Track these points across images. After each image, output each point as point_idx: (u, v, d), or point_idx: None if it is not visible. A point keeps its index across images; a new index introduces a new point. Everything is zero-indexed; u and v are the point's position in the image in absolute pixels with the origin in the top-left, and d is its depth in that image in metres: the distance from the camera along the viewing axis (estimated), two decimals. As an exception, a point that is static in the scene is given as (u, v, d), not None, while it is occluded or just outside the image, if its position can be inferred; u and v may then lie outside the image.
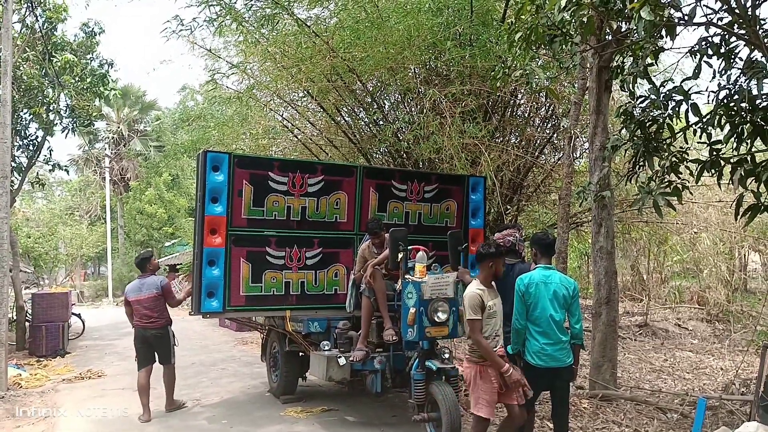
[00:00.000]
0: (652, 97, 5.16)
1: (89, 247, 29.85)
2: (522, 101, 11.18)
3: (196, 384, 8.51)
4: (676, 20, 4.68)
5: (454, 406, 4.94)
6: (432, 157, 9.24)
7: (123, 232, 34.62)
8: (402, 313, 5.51)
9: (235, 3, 9.25)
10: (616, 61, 5.98)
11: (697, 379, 8.04)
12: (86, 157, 34.65)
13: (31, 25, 11.61)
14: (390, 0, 9.42)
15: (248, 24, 9.52)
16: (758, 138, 4.73)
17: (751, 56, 4.73)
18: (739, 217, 4.80)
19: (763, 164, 4.55)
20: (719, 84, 5.00)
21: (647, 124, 5.28)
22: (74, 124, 12.83)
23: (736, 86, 4.90)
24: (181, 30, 9.56)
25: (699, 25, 4.79)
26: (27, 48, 11.58)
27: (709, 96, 5.10)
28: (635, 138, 5.34)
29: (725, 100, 4.92)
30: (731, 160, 4.81)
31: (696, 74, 4.96)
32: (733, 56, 4.90)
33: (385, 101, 11.57)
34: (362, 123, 11.68)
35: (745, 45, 4.78)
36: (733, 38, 4.81)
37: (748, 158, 4.71)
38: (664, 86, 5.19)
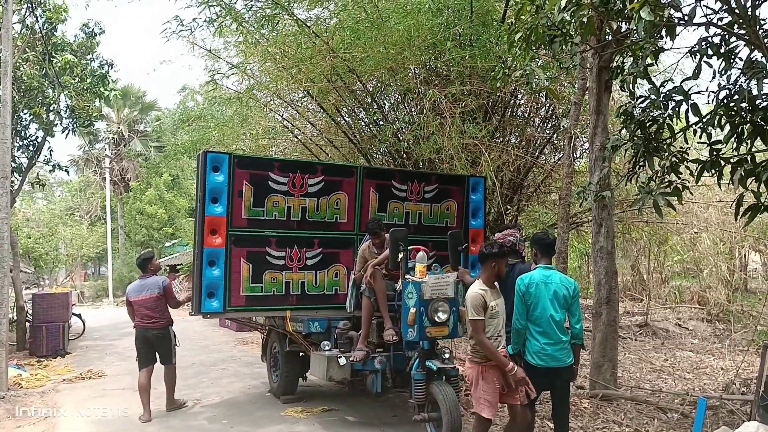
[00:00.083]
0: (652, 97, 5.16)
1: (89, 247, 29.83)
2: (522, 101, 11.19)
3: (196, 384, 8.51)
4: (676, 20, 4.68)
5: (455, 406, 4.94)
6: (432, 158, 9.24)
7: (123, 232, 34.63)
8: (402, 313, 5.51)
9: (235, 3, 9.27)
10: (616, 62, 5.98)
11: (698, 379, 8.04)
12: (86, 157, 34.65)
13: (31, 26, 11.62)
14: (390, 0, 9.42)
15: (248, 24, 9.53)
16: (758, 138, 4.73)
17: (751, 56, 4.74)
18: (739, 217, 4.81)
19: (763, 164, 4.55)
20: (719, 84, 5.01)
21: (647, 124, 5.28)
22: (74, 125, 12.83)
23: (736, 86, 4.90)
24: (181, 30, 9.58)
25: (699, 25, 4.79)
26: (27, 48, 11.58)
27: (709, 96, 5.11)
28: (635, 138, 5.34)
29: (725, 100, 4.93)
30: (731, 160, 4.81)
31: (696, 74, 4.96)
32: (733, 56, 4.90)
33: (385, 101, 11.57)
34: (362, 123, 11.68)
35: (745, 45, 4.78)
36: (733, 38, 4.81)
37: (748, 158, 4.71)
38: (664, 86, 5.19)
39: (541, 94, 9.87)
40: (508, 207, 10.93)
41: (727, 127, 4.92)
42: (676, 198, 5.01)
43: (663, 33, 4.81)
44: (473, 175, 8.28)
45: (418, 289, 5.25)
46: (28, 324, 11.94)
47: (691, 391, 7.05)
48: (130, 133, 34.78)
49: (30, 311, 12.08)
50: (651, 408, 6.20)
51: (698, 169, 5.05)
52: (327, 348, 6.26)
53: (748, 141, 4.82)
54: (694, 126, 5.10)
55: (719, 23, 4.82)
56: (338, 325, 6.40)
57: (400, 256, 5.50)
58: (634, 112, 5.39)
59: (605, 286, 6.52)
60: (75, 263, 31.89)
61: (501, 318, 4.45)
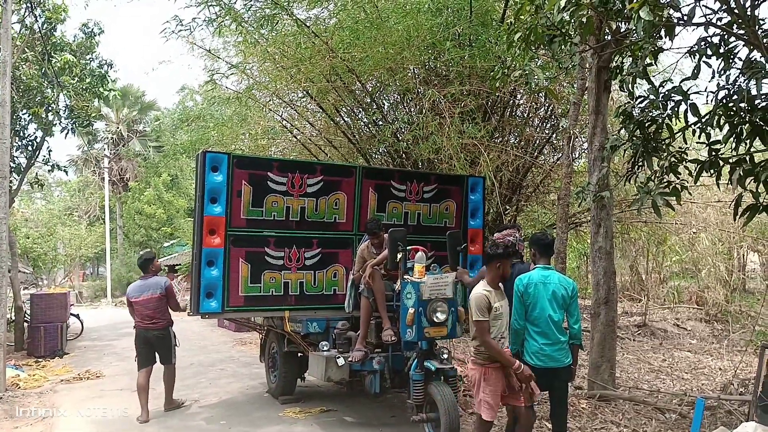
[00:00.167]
0: (651, 97, 5.16)
1: (88, 247, 29.81)
2: (521, 101, 11.20)
3: (194, 384, 8.50)
4: (675, 20, 4.68)
5: (453, 406, 4.94)
6: (431, 158, 9.25)
7: (122, 232, 34.60)
8: (401, 314, 5.50)
9: (235, 3, 9.27)
10: (616, 62, 5.98)
11: (696, 380, 8.05)
12: (85, 157, 34.64)
13: (30, 26, 11.60)
14: (389, 0, 9.42)
15: (247, 24, 9.54)
16: (757, 138, 4.73)
17: (750, 56, 4.74)
18: (737, 217, 4.81)
19: (762, 164, 4.56)
20: (718, 84, 5.01)
21: (646, 125, 5.28)
22: (73, 125, 12.81)
23: (735, 86, 4.90)
24: (181, 30, 9.60)
25: (698, 25, 4.80)
26: (26, 48, 11.57)
27: (708, 96, 5.11)
28: (634, 138, 5.34)
29: (724, 101, 4.93)
30: (730, 160, 4.82)
31: (695, 74, 4.96)
32: (732, 56, 4.90)
33: (384, 101, 11.58)
34: (361, 123, 11.69)
35: (744, 45, 4.78)
36: (732, 38, 4.82)
37: (747, 158, 4.71)
38: (663, 86, 5.19)
39: (540, 94, 9.88)
40: (507, 207, 10.95)
41: (726, 127, 4.92)
42: (674, 198, 5.00)
43: (662, 33, 4.80)
44: (472, 175, 8.28)
45: (417, 290, 5.24)
46: (26, 324, 11.91)
47: (689, 391, 7.05)
48: (129, 133, 34.76)
49: (28, 311, 12.06)
50: (649, 408, 6.20)
51: (697, 169, 5.05)
52: (325, 348, 6.25)
53: (747, 141, 4.83)
54: (693, 126, 5.10)
55: (718, 23, 4.82)
56: (337, 325, 6.39)
57: (399, 256, 5.49)
58: (633, 112, 5.39)
59: (604, 286, 6.51)
60: (73, 263, 31.87)
61: (505, 319, 4.43)
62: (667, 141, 5.36)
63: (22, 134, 12.44)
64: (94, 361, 10.93)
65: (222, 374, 9.36)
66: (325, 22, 10.09)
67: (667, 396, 6.79)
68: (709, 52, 4.91)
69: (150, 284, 6.76)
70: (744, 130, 4.80)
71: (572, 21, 4.85)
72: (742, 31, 4.62)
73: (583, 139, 9.02)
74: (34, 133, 12.72)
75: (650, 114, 5.25)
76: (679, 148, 5.35)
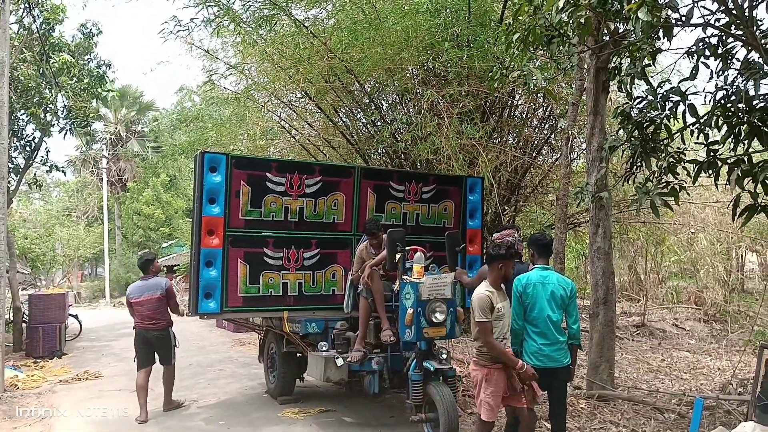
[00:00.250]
0: (650, 97, 5.16)
1: (86, 248, 29.79)
2: (520, 102, 11.21)
3: (193, 385, 8.50)
4: (674, 21, 4.69)
5: (452, 406, 4.94)
6: (430, 158, 9.25)
7: (120, 233, 34.57)
8: (400, 314, 5.50)
9: (233, 3, 9.26)
10: (614, 62, 5.98)
11: (695, 379, 8.05)
12: (84, 158, 34.58)
13: (28, 26, 11.59)
14: (388, 1, 9.42)
15: (246, 25, 9.53)
16: (755, 138, 4.74)
17: (748, 57, 4.75)
18: (736, 217, 4.81)
19: (760, 165, 4.56)
20: (716, 85, 5.01)
21: (645, 125, 5.28)
22: (71, 125, 12.81)
23: (734, 87, 4.91)
24: (179, 31, 9.58)
25: (696, 26, 4.80)
26: (24, 49, 11.56)
27: (706, 97, 5.11)
28: (632, 139, 5.34)
29: (722, 101, 4.93)
30: (728, 161, 4.82)
31: (693, 75, 4.96)
32: (730, 57, 4.91)
33: (382, 102, 11.58)
34: (360, 124, 11.69)
35: (742, 46, 4.79)
36: (731, 39, 4.82)
37: (745, 159, 4.72)
38: (662, 87, 5.19)
39: (538, 95, 9.88)
40: (506, 207, 10.96)
41: (725, 128, 4.92)
42: (673, 198, 5.00)
43: (660, 34, 4.81)
44: (471, 175, 8.28)
45: (416, 290, 5.25)
46: (24, 325, 11.91)
47: (687, 391, 7.06)
48: (128, 133, 34.73)
49: (27, 312, 12.04)
50: (648, 408, 6.20)
51: (695, 169, 5.05)
52: (324, 349, 6.24)
53: (745, 141, 4.83)
54: (691, 127, 5.10)
55: (717, 24, 4.83)
56: (335, 325, 6.39)
57: (398, 256, 5.49)
58: (632, 112, 5.40)
59: (602, 286, 6.52)
60: (72, 264, 31.85)
61: (507, 320, 4.41)
62: (665, 141, 5.36)
63: (20, 135, 12.44)
64: (93, 361, 10.92)
65: (221, 375, 9.36)
66: (323, 22, 10.08)
67: (666, 396, 6.79)
68: (707, 52, 4.91)
69: (150, 285, 6.76)
70: (742, 131, 4.81)
71: (570, 22, 4.85)
72: (740, 32, 4.63)
73: (582, 140, 9.02)
74: (33, 133, 12.74)
75: (649, 114, 5.25)
76: (678, 148, 5.35)
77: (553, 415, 4.68)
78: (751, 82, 4.55)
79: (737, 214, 4.77)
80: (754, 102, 4.67)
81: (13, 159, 12.11)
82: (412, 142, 9.06)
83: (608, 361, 6.54)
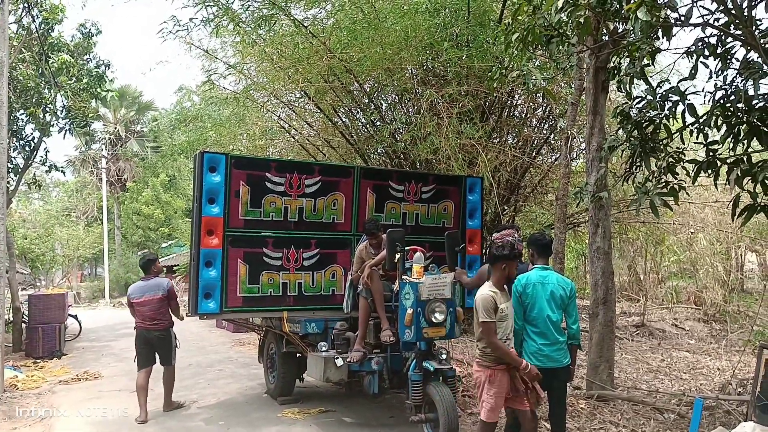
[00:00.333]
0: (649, 97, 5.16)
1: (86, 248, 29.77)
2: (519, 102, 11.21)
3: (193, 385, 8.49)
4: (673, 21, 4.69)
5: (452, 406, 4.94)
6: (429, 158, 9.25)
7: (120, 233, 34.57)
8: (399, 314, 5.50)
9: (232, 3, 9.26)
10: (613, 62, 5.98)
11: (694, 380, 8.05)
12: (83, 157, 34.55)
13: (27, 26, 11.59)
14: (387, 1, 9.42)
15: (245, 24, 9.53)
16: (754, 138, 4.74)
17: (748, 57, 4.75)
18: (735, 217, 4.81)
19: (760, 164, 4.56)
20: (716, 85, 5.01)
21: (644, 125, 5.28)
22: (71, 125, 12.80)
23: (733, 87, 4.91)
24: (178, 30, 9.58)
25: (695, 25, 4.80)
26: (23, 49, 11.55)
27: (705, 97, 5.11)
28: (632, 138, 5.34)
29: (722, 101, 4.93)
30: (728, 161, 4.82)
31: (692, 75, 4.96)
32: (729, 57, 4.91)
33: (382, 102, 11.58)
34: (359, 124, 11.70)
35: (741, 46, 4.79)
36: (730, 39, 4.82)
37: (745, 158, 4.72)
38: (661, 87, 5.19)
39: (538, 95, 9.89)
40: (506, 207, 10.96)
41: (724, 128, 4.92)
42: (672, 198, 5.00)
43: (659, 33, 4.80)
44: (470, 175, 8.28)
45: (415, 290, 5.24)
46: (24, 325, 11.90)
47: (687, 391, 7.06)
48: (127, 133, 34.73)
49: (26, 312, 12.04)
50: (648, 408, 6.20)
51: (695, 169, 5.05)
52: (324, 349, 6.25)
53: (745, 141, 4.83)
54: (690, 126, 5.10)
55: (716, 24, 4.83)
56: (335, 326, 6.39)
57: (397, 256, 5.49)
58: (631, 112, 5.39)
59: (602, 286, 6.52)
60: (71, 264, 31.82)
61: (510, 320, 4.37)
62: (664, 141, 5.36)
63: (19, 135, 12.43)
64: (93, 361, 10.91)
65: (220, 375, 9.35)
66: (322, 22, 10.08)
67: (666, 396, 6.79)
68: (706, 52, 4.91)
69: (152, 285, 6.76)
70: (741, 131, 4.81)
71: (570, 21, 4.84)
72: (739, 32, 4.63)
73: (581, 140, 9.02)
74: (32, 133, 12.73)
75: (648, 114, 5.25)
76: (677, 148, 5.35)
77: (552, 415, 4.68)
78: (750, 82, 4.55)
79: (737, 214, 4.77)
80: (754, 102, 4.67)
81: (12, 159, 12.11)
82: (411, 142, 9.06)
83: (608, 361, 6.54)
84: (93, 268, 41.84)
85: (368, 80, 10.54)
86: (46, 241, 25.15)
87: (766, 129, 4.63)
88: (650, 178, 5.19)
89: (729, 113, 4.84)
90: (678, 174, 5.25)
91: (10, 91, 10.33)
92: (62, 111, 12.56)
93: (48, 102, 12.00)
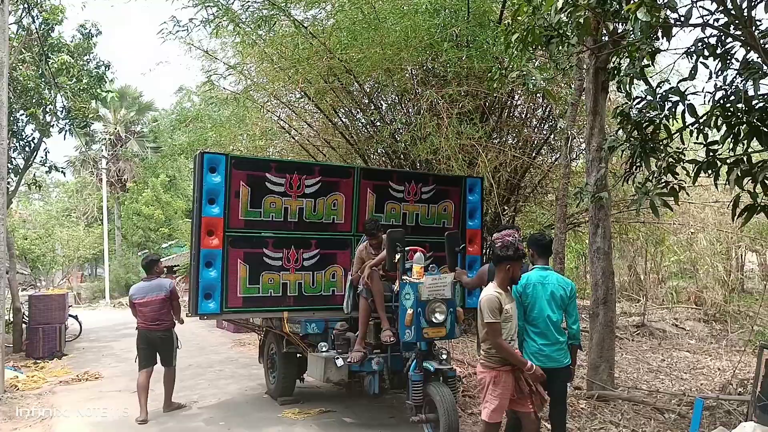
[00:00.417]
0: (649, 98, 5.16)
1: (86, 248, 29.79)
2: (519, 102, 11.22)
3: (193, 386, 8.49)
4: (673, 21, 4.69)
5: (452, 406, 4.94)
6: (429, 158, 9.25)
7: (120, 233, 34.56)
8: (399, 314, 5.51)
9: (232, 4, 9.27)
10: (613, 62, 5.99)
11: (695, 380, 8.05)
12: (83, 158, 34.55)
13: (27, 27, 11.59)
14: (387, 1, 9.42)
15: (245, 25, 9.53)
16: (754, 138, 4.74)
17: (747, 57, 4.75)
18: (735, 217, 4.81)
19: (760, 165, 4.56)
20: (716, 85, 5.01)
21: (644, 125, 5.28)
22: (71, 126, 12.81)
23: (733, 87, 4.91)
24: (178, 31, 9.59)
25: (695, 26, 4.80)
26: (23, 49, 11.55)
27: (705, 97, 5.10)
28: (632, 139, 5.34)
29: (722, 101, 4.93)
30: (728, 161, 4.82)
31: (692, 75, 4.96)
32: (729, 57, 4.91)
33: (382, 102, 11.59)
34: (359, 124, 11.70)
35: (741, 46, 4.79)
36: (729, 39, 4.82)
37: (745, 159, 4.72)
38: (661, 87, 5.19)
39: (538, 95, 9.89)
40: (506, 208, 10.95)
41: (724, 128, 4.92)
42: (672, 198, 5.01)
43: (659, 34, 4.81)
44: (470, 175, 8.28)
45: (416, 290, 5.25)
46: (24, 326, 11.90)
47: (688, 391, 7.06)
48: (127, 133, 34.74)
49: (26, 313, 12.04)
50: (648, 408, 6.20)
51: (695, 169, 5.05)
52: (324, 349, 6.25)
53: (745, 142, 4.83)
54: (690, 127, 5.10)
55: (715, 24, 4.83)
56: (335, 326, 6.39)
57: (398, 257, 5.49)
58: (631, 112, 5.39)
59: (602, 286, 6.52)
60: (71, 265, 31.83)
61: (514, 322, 4.34)
62: (664, 142, 5.36)
63: (19, 135, 12.43)
64: (93, 362, 10.91)
65: (221, 375, 9.36)
66: (322, 23, 10.09)
67: (666, 396, 6.79)
68: (706, 53, 4.91)
69: (154, 286, 6.76)
70: (741, 131, 4.80)
71: (570, 22, 4.85)
72: (739, 32, 4.63)
73: (581, 140, 9.03)
74: (32, 134, 12.73)
75: (648, 115, 5.25)
76: (677, 148, 5.35)
77: (553, 415, 4.69)
78: (750, 82, 4.55)
79: (737, 214, 4.77)
80: (754, 102, 4.67)
81: (12, 159, 12.11)
82: (411, 142, 9.06)
83: (608, 361, 6.54)
84: (93, 268, 41.81)
85: (368, 81, 10.55)
86: (47, 242, 25.18)
87: (766, 129, 4.62)
88: (650, 178, 5.19)
89: (729, 113, 4.84)
90: (678, 174, 5.25)
91: (10, 91, 10.33)
92: (62, 111, 12.56)
93: (48, 102, 12.00)
